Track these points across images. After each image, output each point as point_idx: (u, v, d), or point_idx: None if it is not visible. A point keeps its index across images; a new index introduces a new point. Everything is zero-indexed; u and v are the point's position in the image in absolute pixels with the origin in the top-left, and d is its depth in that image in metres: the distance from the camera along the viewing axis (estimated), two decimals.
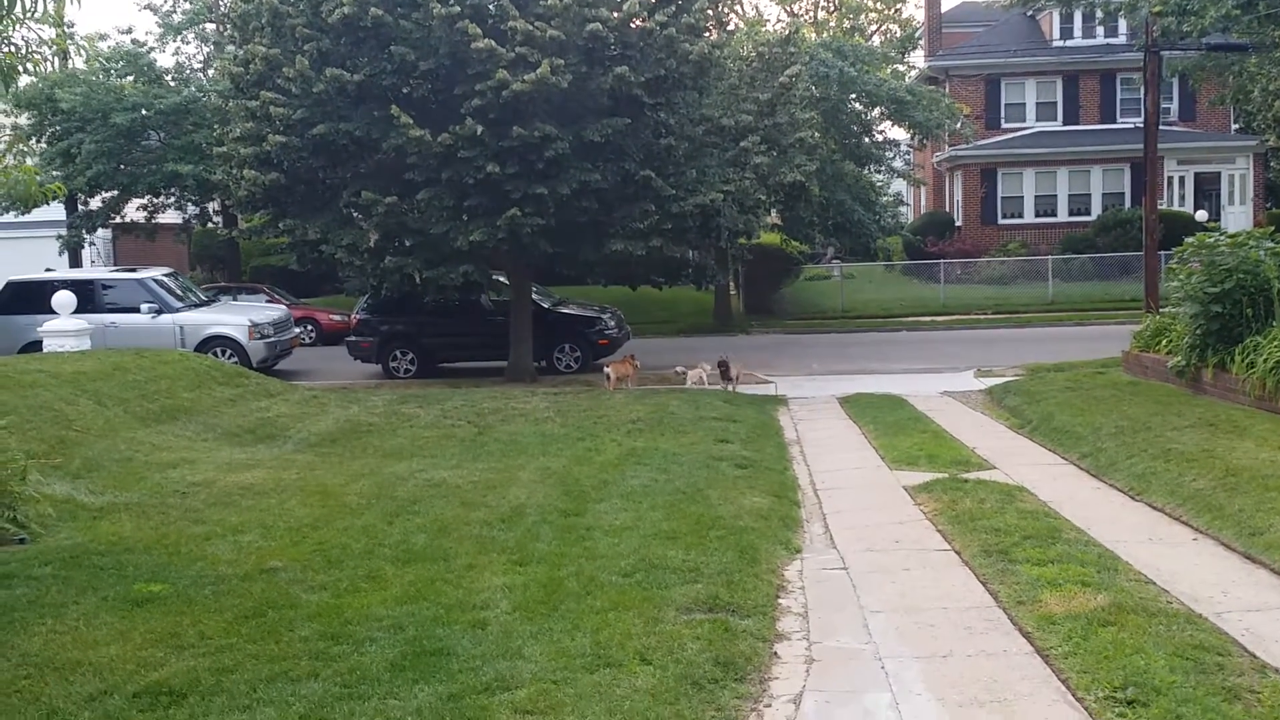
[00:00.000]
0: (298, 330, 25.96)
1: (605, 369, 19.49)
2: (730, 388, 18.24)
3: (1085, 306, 31.59)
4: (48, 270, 28.03)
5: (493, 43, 17.84)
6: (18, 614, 7.20)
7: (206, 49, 36.89)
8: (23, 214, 29.57)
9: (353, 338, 23.39)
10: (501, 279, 21.49)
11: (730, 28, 27.97)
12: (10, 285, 22.37)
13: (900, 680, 6.31)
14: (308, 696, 5.89)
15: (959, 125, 35.52)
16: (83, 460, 11.60)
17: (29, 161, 26.42)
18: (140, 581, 7.89)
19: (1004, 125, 41.30)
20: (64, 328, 19.50)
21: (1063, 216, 40.02)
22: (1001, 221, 40.31)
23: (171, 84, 33.98)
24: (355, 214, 19.86)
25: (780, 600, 7.82)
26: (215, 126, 26.72)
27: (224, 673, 6.24)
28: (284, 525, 9.56)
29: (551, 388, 19.52)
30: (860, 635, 7.09)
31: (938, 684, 6.24)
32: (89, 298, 21.69)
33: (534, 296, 21.99)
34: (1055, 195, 40.33)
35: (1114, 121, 40.55)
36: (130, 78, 33.44)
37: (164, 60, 35.14)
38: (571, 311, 23.44)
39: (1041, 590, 7.56)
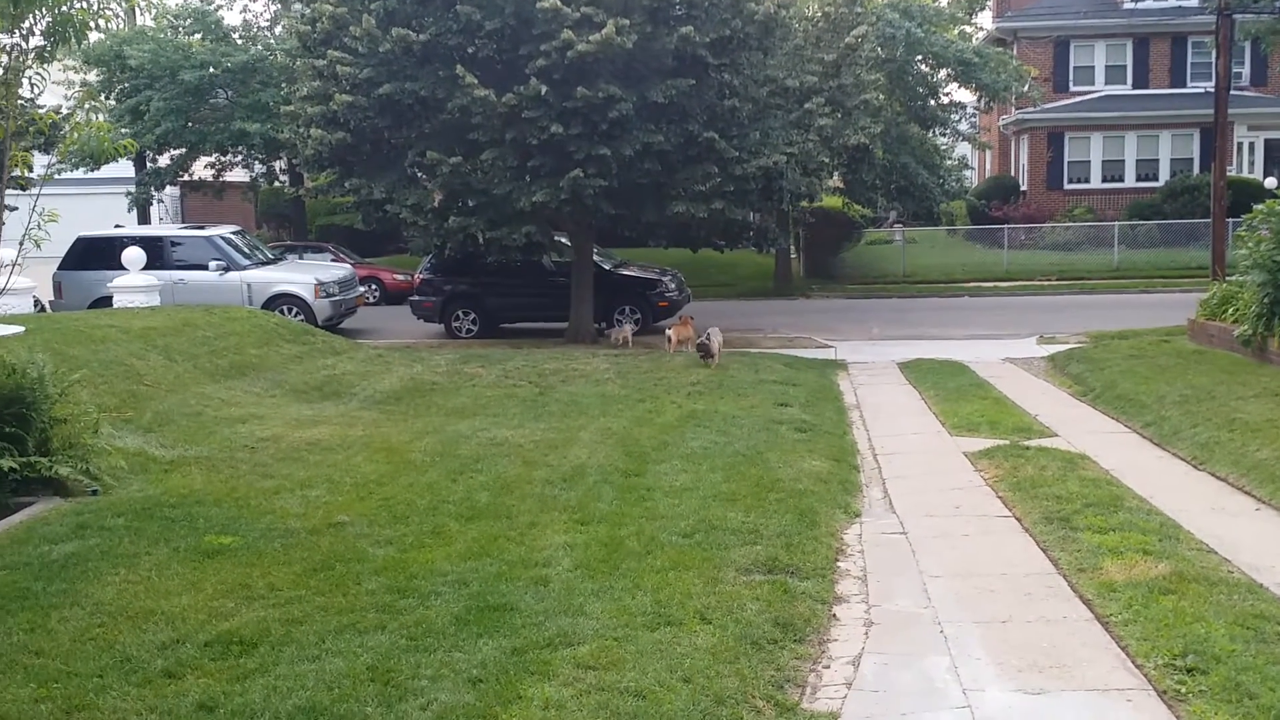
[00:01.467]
0: (362, 289, 26.21)
1: (666, 331, 19.53)
2: (713, 364, 16.58)
3: (1151, 274, 31.06)
4: (117, 226, 28.55)
5: (558, 2, 17.80)
6: (91, 564, 7.40)
7: (274, 7, 37.10)
8: (93, 170, 30.07)
9: (416, 297, 23.60)
10: (563, 240, 21.55)
11: None
12: (81, 241, 22.71)
13: (959, 644, 6.34)
14: (375, 648, 6.04)
15: (1026, 88, 34.91)
16: (153, 414, 11.85)
17: (100, 118, 26.83)
18: (211, 534, 8.08)
19: (1072, 88, 40.52)
20: (134, 283, 19.85)
21: (1130, 182, 39.29)
22: (1067, 186, 39.66)
23: (239, 42, 34.29)
24: (420, 174, 19.99)
25: (839, 563, 7.87)
26: (282, 85, 27.05)
27: (293, 624, 6.40)
28: (350, 481, 9.74)
29: (611, 349, 19.61)
30: (919, 599, 7.13)
31: (997, 649, 6.27)
32: (158, 254, 22.01)
33: (595, 258, 22.03)
34: (1122, 160, 39.59)
35: (1184, 86, 39.62)
36: (198, 35, 33.78)
37: (231, 18, 35.42)
38: (632, 273, 23.48)
39: (1102, 558, 7.54)
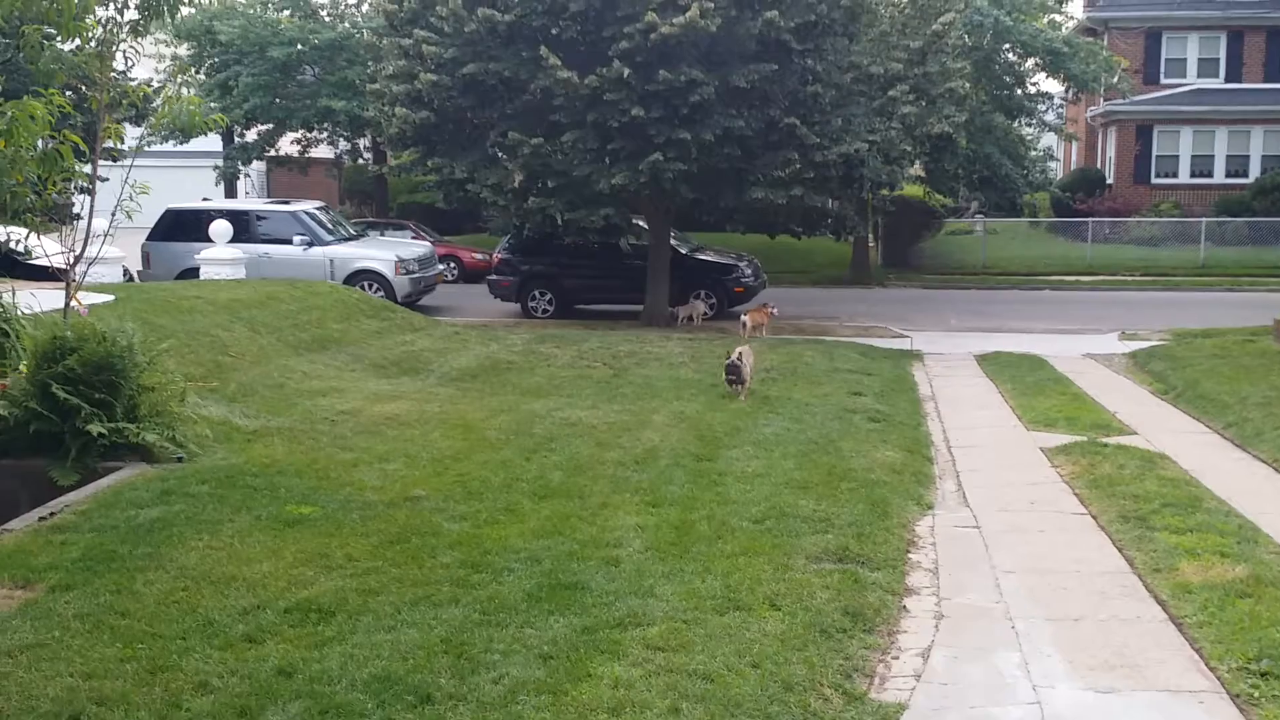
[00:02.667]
0: (441, 267, 26.49)
1: (741, 316, 19.51)
2: (742, 396, 12.91)
3: (1238, 272, 30.38)
4: (204, 200, 29.10)
5: None
6: (176, 529, 7.59)
7: None
8: (182, 143, 30.68)
9: (493, 276, 23.80)
10: (641, 223, 21.59)
11: None
12: (169, 213, 23.18)
13: (1030, 640, 6.30)
14: (449, 621, 6.14)
15: (1116, 79, 34.24)
16: (237, 385, 12.10)
17: (190, 92, 27.36)
18: (291, 503, 8.25)
19: (1163, 80, 39.62)
20: (220, 256, 20.26)
21: (1219, 178, 38.37)
22: (1155, 181, 38.84)
23: (326, 19, 34.74)
24: (501, 154, 20.13)
25: (911, 555, 7.83)
26: (368, 63, 27.33)
27: (370, 594, 6.53)
28: (427, 456, 9.88)
29: (686, 333, 19.62)
30: (991, 594, 7.08)
31: (1068, 646, 6.21)
32: (244, 228, 22.45)
33: (672, 241, 22.05)
34: (1212, 155, 38.66)
35: (1278, 81, 38.62)
36: (287, 12, 34.28)
37: None
38: (709, 258, 23.45)
39: (1179, 558, 7.44)
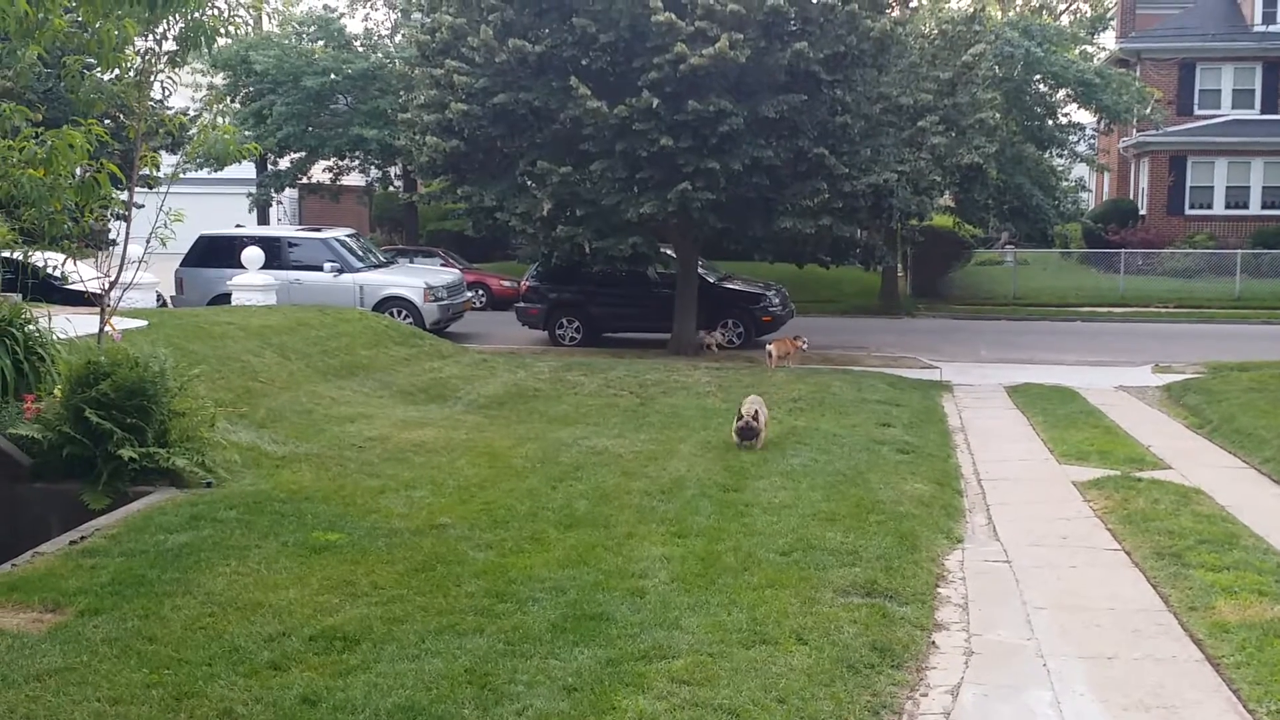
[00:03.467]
0: (469, 294, 26.58)
1: (767, 346, 19.48)
2: (756, 447, 11.75)
3: (1275, 305, 30.07)
4: (237, 226, 29.37)
5: (673, 16, 17.91)
6: (204, 554, 7.61)
7: (394, 16, 37.93)
8: (216, 171, 30.94)
9: (521, 304, 23.87)
10: (669, 252, 21.62)
11: (913, 4, 27.41)
12: (202, 239, 23.39)
13: (1062, 679, 6.20)
14: (473, 651, 6.11)
15: (1149, 110, 34.12)
16: (267, 411, 12.16)
17: (225, 121, 27.68)
18: (318, 530, 8.26)
19: (1196, 112, 39.44)
20: (252, 282, 20.40)
21: (1254, 209, 38.09)
22: (1189, 212, 38.61)
23: (360, 50, 35.10)
24: (530, 183, 20.23)
25: (940, 590, 7.75)
26: (400, 93, 27.59)
27: (395, 622, 6.52)
28: (453, 483, 9.88)
29: (713, 362, 19.60)
30: (1022, 630, 6.99)
31: (1101, 685, 6.12)
32: (276, 254, 22.60)
33: (700, 270, 22.06)
34: (1248, 187, 38.41)
35: None
36: (321, 42, 34.67)
37: (353, 26, 36.19)
38: (736, 287, 23.43)
39: (1215, 597, 7.32)
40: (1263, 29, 39.05)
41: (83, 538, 7.92)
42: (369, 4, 38.67)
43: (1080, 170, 44.18)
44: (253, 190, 36.02)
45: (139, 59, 10.25)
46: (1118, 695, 5.99)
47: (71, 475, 9.02)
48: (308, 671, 5.83)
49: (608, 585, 7.22)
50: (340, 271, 22.99)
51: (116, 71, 10.24)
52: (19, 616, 6.51)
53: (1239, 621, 6.85)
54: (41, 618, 6.50)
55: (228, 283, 20.91)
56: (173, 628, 6.36)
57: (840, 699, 5.71)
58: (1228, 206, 38.52)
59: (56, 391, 9.49)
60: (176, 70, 10.73)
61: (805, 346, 19.67)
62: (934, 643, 6.76)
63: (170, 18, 9.22)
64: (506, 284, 30.04)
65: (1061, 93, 32.23)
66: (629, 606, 6.84)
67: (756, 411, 12.01)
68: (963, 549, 8.82)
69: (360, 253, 24.34)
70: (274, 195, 36.55)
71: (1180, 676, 6.25)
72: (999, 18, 34.52)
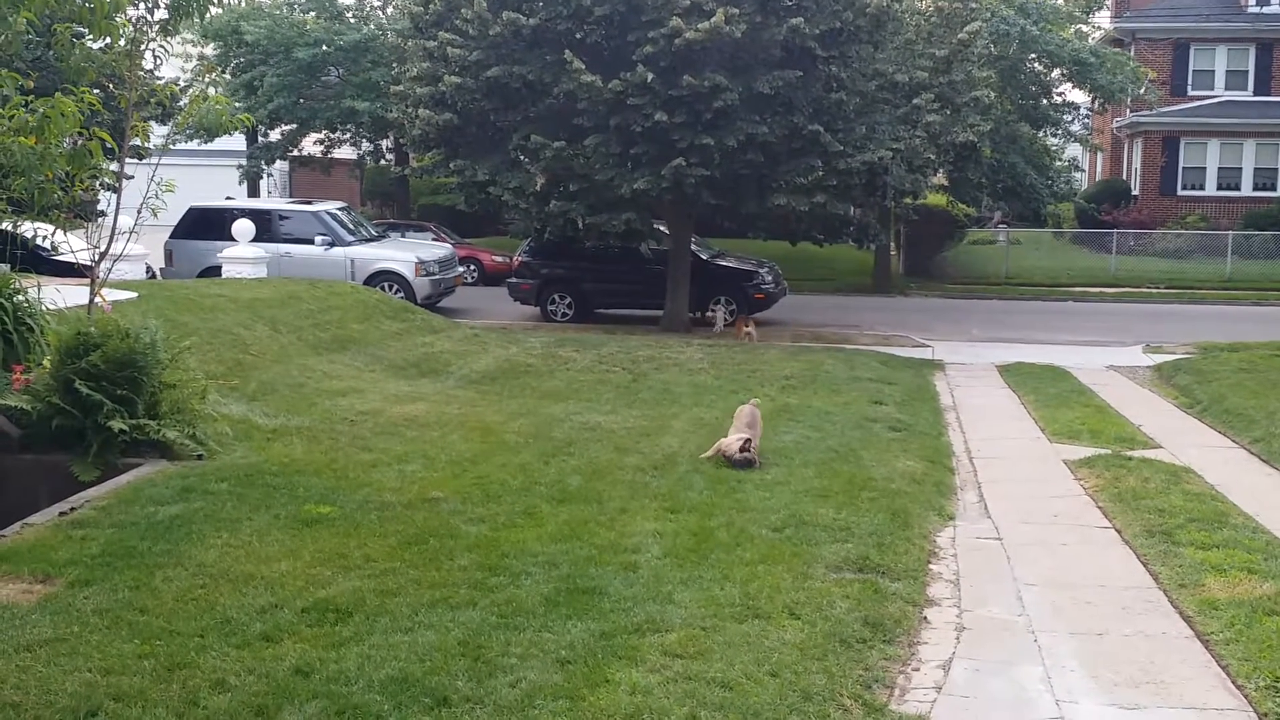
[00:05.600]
0: (461, 269, 26.51)
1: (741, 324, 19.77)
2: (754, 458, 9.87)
3: (1265, 286, 30.15)
4: (228, 199, 29.22)
5: None
6: (195, 526, 7.58)
7: None
8: (206, 142, 30.80)
9: (513, 279, 23.82)
10: (662, 228, 21.57)
11: None
12: (193, 211, 23.25)
13: (1053, 654, 6.23)
14: (466, 624, 6.11)
15: (1143, 90, 34.08)
16: (258, 383, 12.11)
17: (216, 91, 27.50)
18: (310, 503, 8.24)
19: (1190, 92, 39.40)
20: (242, 255, 20.31)
21: (1246, 190, 38.14)
22: (1181, 193, 38.64)
23: (351, 21, 34.88)
24: (523, 157, 20.16)
25: (931, 566, 7.77)
26: (393, 65, 27.44)
27: (387, 595, 6.51)
28: (445, 458, 9.87)
29: (706, 339, 19.58)
30: (1013, 607, 7.01)
31: (1092, 661, 6.14)
32: (266, 227, 22.49)
33: (693, 247, 22.01)
34: (1240, 168, 38.43)
35: None
36: (312, 14, 34.44)
37: None
38: (729, 264, 23.39)
39: (1205, 574, 7.36)
40: (1257, 10, 39.00)
41: (72, 509, 7.88)
42: None
43: (1074, 150, 44.15)
44: (243, 162, 35.84)
45: (130, 27, 10.14)
46: (1108, 671, 6.02)
47: (61, 447, 8.96)
48: (300, 643, 5.82)
49: (600, 560, 7.22)
50: (331, 245, 22.91)
51: (107, 40, 10.16)
52: (9, 587, 6.48)
53: (1228, 599, 6.88)
54: (31, 588, 6.48)
55: (218, 255, 20.82)
56: (164, 599, 6.34)
57: (832, 672, 5.72)
58: (1220, 188, 38.56)
59: (46, 362, 9.43)
60: (168, 39, 10.63)
61: (752, 334, 19.77)
62: (925, 618, 6.78)
63: None
64: (499, 259, 29.95)
65: (1056, 72, 32.17)
66: (622, 581, 6.84)
67: (748, 442, 9.92)
68: (954, 526, 8.83)
69: (351, 226, 24.24)
70: (264, 168, 36.38)
71: (1170, 653, 6.27)
72: None
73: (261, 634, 5.92)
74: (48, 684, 5.28)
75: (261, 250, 20.84)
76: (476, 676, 5.48)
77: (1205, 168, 38.70)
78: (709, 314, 21.72)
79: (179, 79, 26.81)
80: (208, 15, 11.12)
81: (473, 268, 29.73)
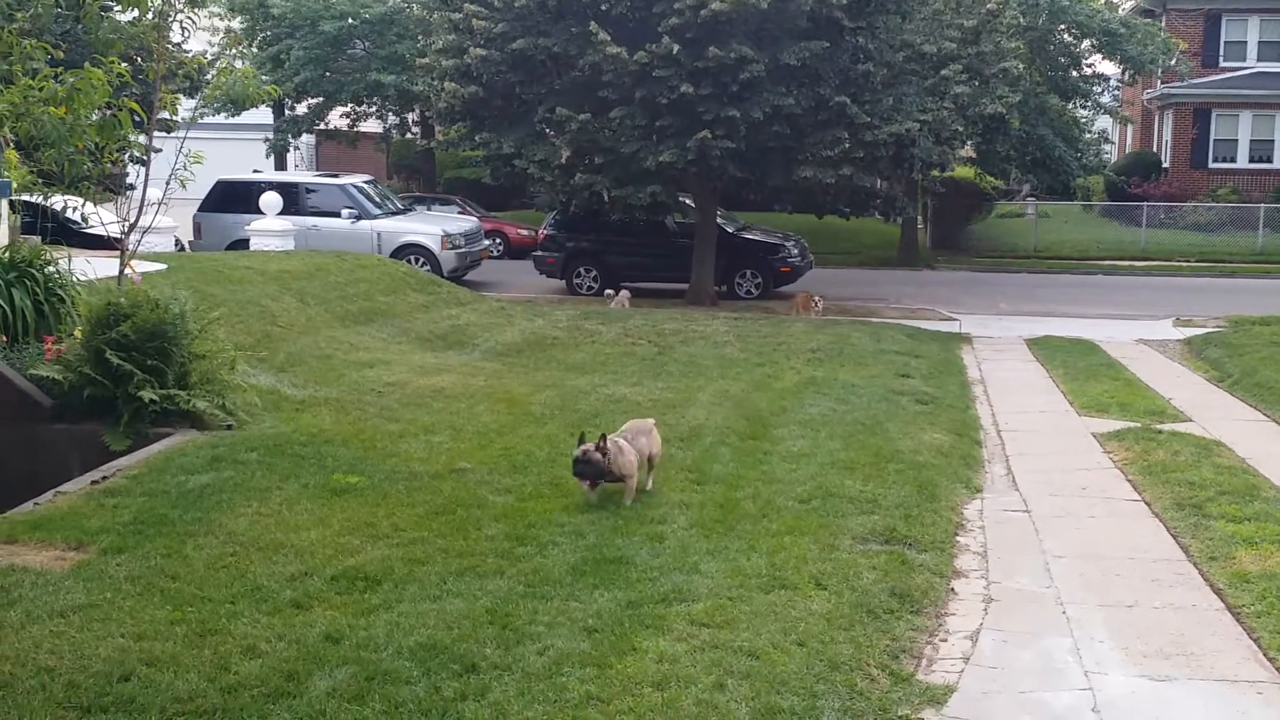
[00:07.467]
0: (487, 242, 26.51)
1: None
2: (627, 499, 7.89)
3: None
4: (255, 172, 29.30)
5: None
6: (225, 495, 7.64)
7: None
8: (233, 115, 30.85)
9: (539, 252, 23.83)
10: (687, 201, 21.50)
11: None
12: (220, 184, 23.35)
13: (1082, 626, 6.21)
14: (494, 592, 6.14)
15: (1174, 61, 33.66)
16: (286, 355, 12.17)
17: (243, 64, 27.51)
18: (339, 472, 8.28)
19: (1222, 64, 38.89)
20: (270, 227, 20.36)
21: (1278, 163, 37.70)
22: (1212, 165, 38.21)
23: None
24: (549, 130, 20.12)
25: (959, 538, 7.75)
26: (418, 38, 27.36)
27: (415, 563, 6.54)
28: (472, 429, 9.89)
29: (731, 312, 19.54)
30: (1041, 579, 6.99)
31: (1121, 633, 6.12)
32: (293, 200, 22.55)
33: (718, 220, 21.94)
34: (1272, 140, 37.97)
35: None
36: None
37: None
38: (755, 237, 23.32)
39: (1236, 547, 7.31)
40: None
41: (104, 478, 7.96)
42: None
43: (1103, 122, 43.71)
44: (270, 136, 35.88)
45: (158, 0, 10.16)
46: (1138, 643, 5.99)
47: (92, 416, 9.03)
48: (330, 610, 5.86)
49: (627, 530, 7.23)
50: (358, 218, 22.95)
51: (135, 12, 10.18)
52: (43, 554, 6.56)
53: (1260, 571, 6.84)
54: (65, 555, 6.55)
55: (246, 228, 20.87)
56: (195, 566, 6.40)
57: (860, 643, 5.72)
58: (1251, 160, 38.12)
59: (77, 333, 9.51)
60: (195, 11, 10.65)
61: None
62: (953, 589, 6.77)
63: None
64: (524, 232, 29.94)
65: (1086, 43, 31.79)
66: (648, 551, 6.85)
67: (602, 445, 7.61)
68: (982, 498, 8.81)
69: (378, 199, 24.27)
70: (291, 141, 36.40)
71: (1200, 625, 6.24)
72: None
73: (291, 601, 5.96)
74: (81, 649, 5.33)
75: (289, 223, 20.88)
76: (504, 644, 5.50)
77: (1237, 140, 38.25)
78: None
79: (206, 52, 26.87)
80: None
81: (498, 241, 29.73)
